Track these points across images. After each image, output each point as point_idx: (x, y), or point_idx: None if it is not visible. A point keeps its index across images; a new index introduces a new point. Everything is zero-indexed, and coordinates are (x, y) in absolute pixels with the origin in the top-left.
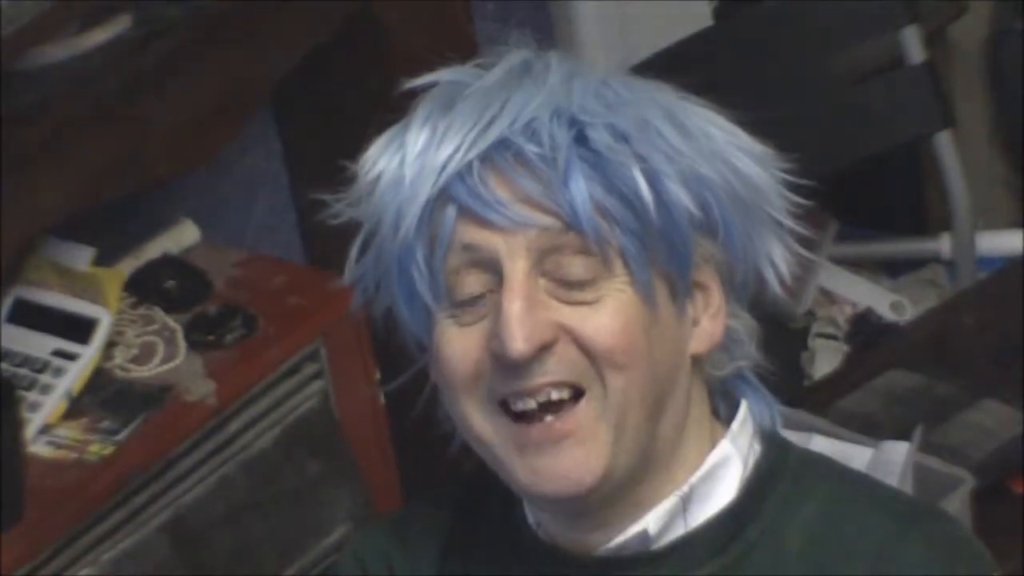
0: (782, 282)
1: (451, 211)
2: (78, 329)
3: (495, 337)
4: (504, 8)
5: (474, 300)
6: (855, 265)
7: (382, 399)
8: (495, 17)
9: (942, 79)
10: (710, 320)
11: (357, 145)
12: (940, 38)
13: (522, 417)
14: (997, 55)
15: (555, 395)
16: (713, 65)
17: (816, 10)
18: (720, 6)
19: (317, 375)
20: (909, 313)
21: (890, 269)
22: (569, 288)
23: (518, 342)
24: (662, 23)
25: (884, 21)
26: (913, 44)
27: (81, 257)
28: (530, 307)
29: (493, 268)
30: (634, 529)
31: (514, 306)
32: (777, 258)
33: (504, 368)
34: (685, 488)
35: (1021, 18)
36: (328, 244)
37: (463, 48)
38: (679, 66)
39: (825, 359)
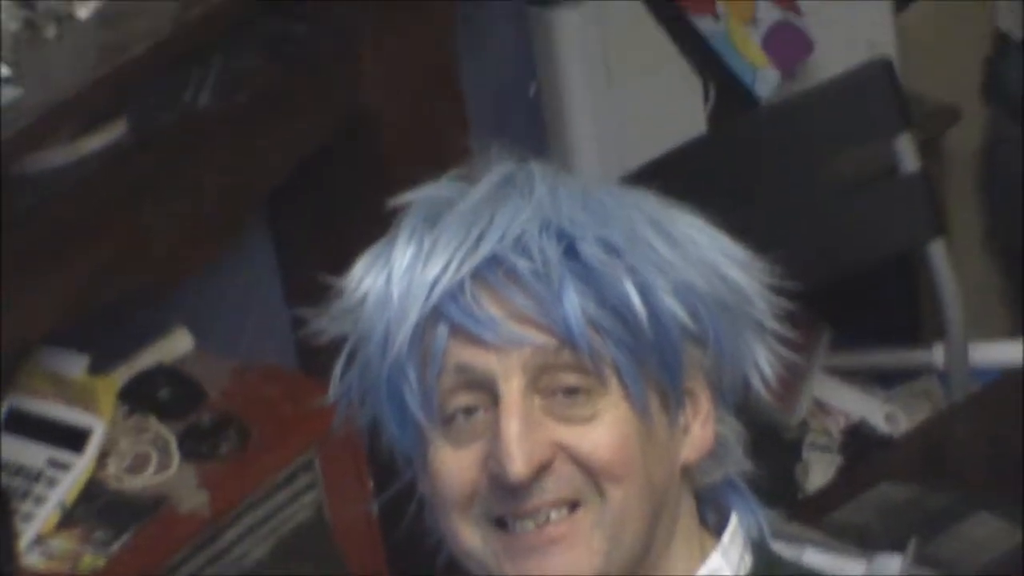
0: (772, 390)
1: (443, 330)
2: (72, 438)
3: (493, 459)
4: (499, 117)
5: (468, 415)
6: (849, 375)
7: (376, 510)
8: (490, 125)
9: (936, 187)
10: (700, 427)
11: (351, 255)
12: (934, 146)
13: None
14: (991, 163)
15: (554, 515)
16: (708, 172)
17: (810, 117)
18: (714, 113)
19: (311, 486)
20: (903, 425)
21: (884, 379)
22: (564, 405)
23: (518, 465)
24: (656, 130)
25: (878, 129)
26: (907, 152)
27: (75, 365)
28: (528, 428)
29: (487, 387)
30: None
31: (512, 428)
32: (763, 362)
33: (502, 489)
34: None
35: (1015, 127)
36: (322, 354)
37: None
38: (673, 173)
39: (819, 470)
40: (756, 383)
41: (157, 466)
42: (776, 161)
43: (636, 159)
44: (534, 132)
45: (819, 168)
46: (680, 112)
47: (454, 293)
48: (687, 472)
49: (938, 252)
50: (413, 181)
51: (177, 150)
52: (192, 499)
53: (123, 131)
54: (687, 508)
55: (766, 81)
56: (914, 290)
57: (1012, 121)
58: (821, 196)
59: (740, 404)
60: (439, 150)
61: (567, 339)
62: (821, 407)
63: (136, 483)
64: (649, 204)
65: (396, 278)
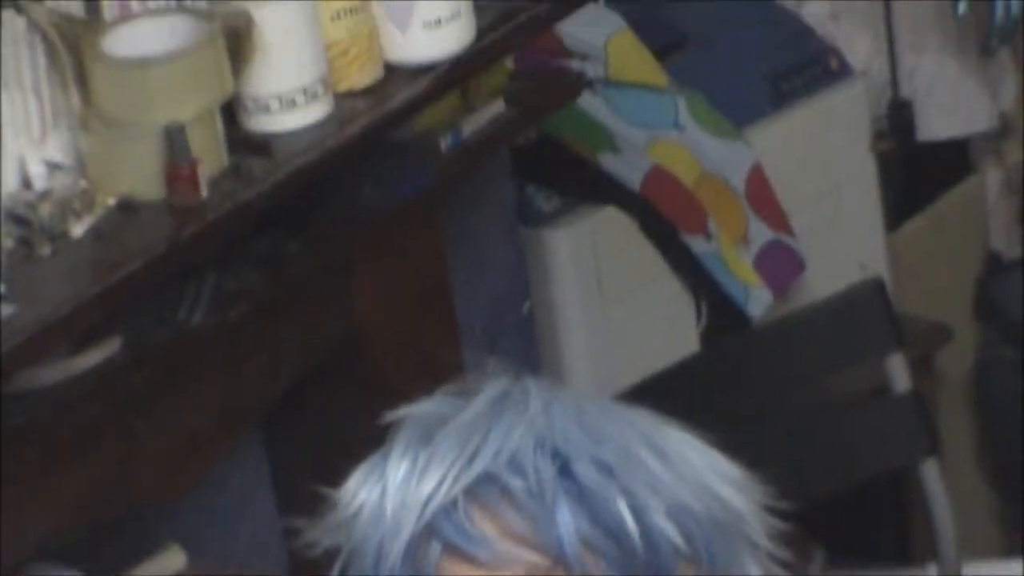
0: None
1: (436, 547)
2: None
3: None
4: (493, 334)
5: None
6: None
7: None
8: (482, 343)
9: (928, 407)
10: None
11: (344, 470)
12: (927, 365)
13: None
14: (984, 383)
15: None
16: (700, 391)
17: (803, 337)
18: (707, 332)
19: None
20: None
21: None
22: None
23: None
24: (649, 348)
25: (871, 348)
26: (899, 371)
27: None
28: None
29: None
30: None
31: None
32: None
33: None
34: None
35: (1007, 346)
36: (317, 569)
37: (450, 373)
38: (666, 392)
39: None
40: None
41: None
42: (768, 380)
43: (629, 377)
44: (527, 349)
45: (812, 387)
46: (673, 331)
47: (448, 510)
48: None
49: (931, 471)
50: (405, 397)
51: (171, 367)
52: None
53: (117, 348)
54: None
55: (758, 300)
56: (906, 508)
57: (1004, 341)
58: (814, 415)
59: None
60: (431, 367)
61: (560, 559)
62: None
63: None
64: (643, 421)
65: (390, 493)
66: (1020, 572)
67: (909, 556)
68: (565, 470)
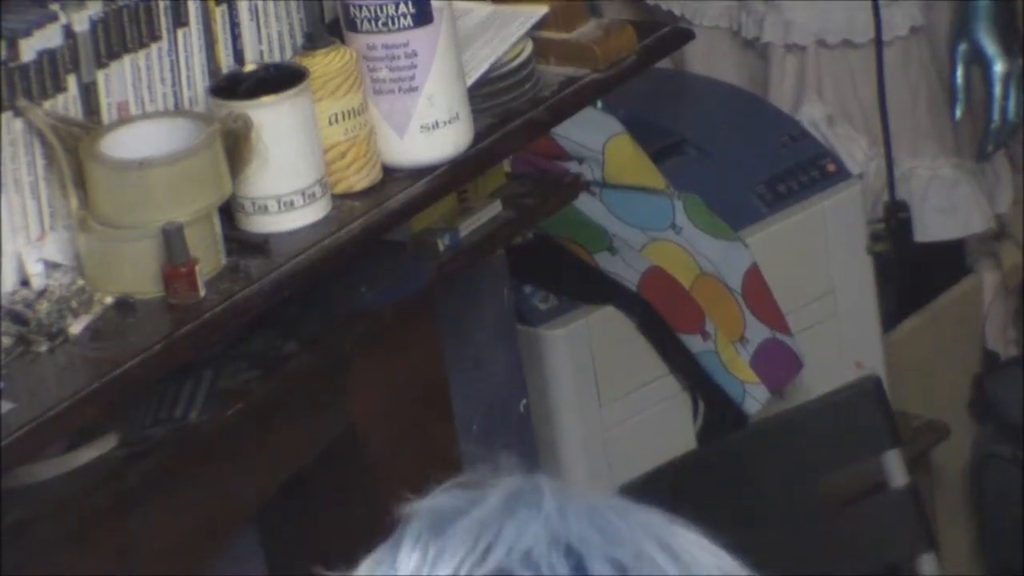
0: None
1: None
2: None
3: None
4: (489, 432)
5: None
6: None
7: None
8: (479, 439)
9: (925, 502)
10: None
11: (341, 563)
12: (923, 461)
13: None
14: (980, 480)
15: None
16: (697, 488)
17: (800, 434)
18: (704, 430)
19: None
20: None
21: None
22: None
23: None
24: (646, 447)
25: (868, 445)
26: (896, 467)
27: None
28: None
29: None
30: None
31: None
32: None
33: None
34: None
35: (1004, 444)
36: None
37: (448, 469)
38: (663, 489)
39: None
40: None
41: None
42: (766, 477)
43: (626, 475)
44: (525, 446)
45: (809, 484)
46: (670, 429)
47: None
48: None
49: (928, 566)
50: (402, 494)
51: (167, 463)
52: None
53: (113, 444)
54: None
55: (755, 398)
56: None
57: (1001, 439)
58: (812, 511)
59: None
60: (429, 463)
61: None
62: None
63: None
64: (655, 520)
65: None
66: None
67: None
68: (579, 569)
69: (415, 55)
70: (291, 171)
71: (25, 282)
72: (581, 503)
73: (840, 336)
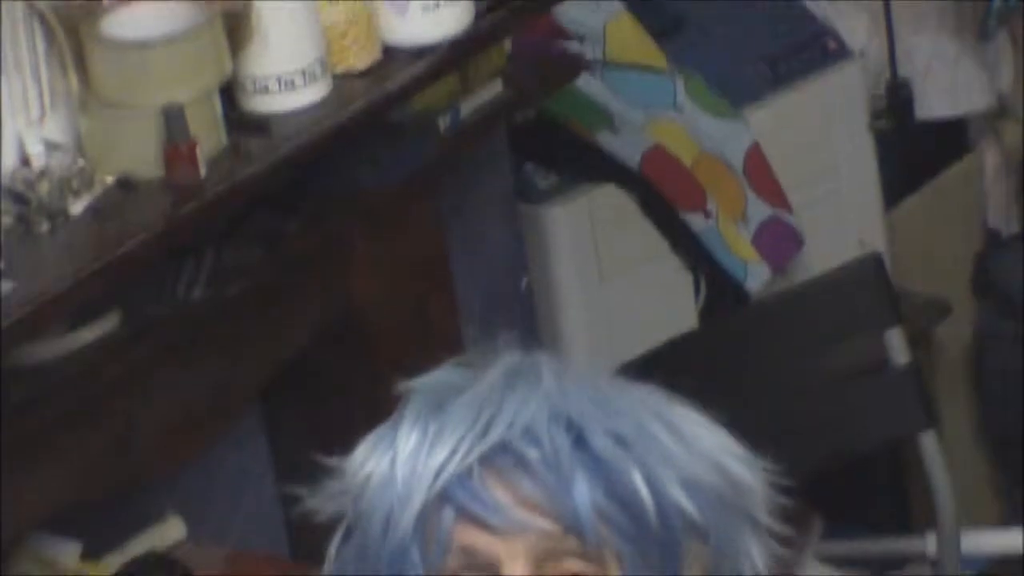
0: None
1: (448, 513)
2: None
3: None
4: (491, 310)
5: None
6: (840, 562)
7: None
8: (480, 318)
9: (926, 379)
10: None
11: (344, 445)
12: (924, 340)
13: None
14: (982, 357)
15: None
16: (698, 365)
17: (802, 312)
18: (706, 308)
19: None
20: None
21: (875, 567)
22: None
23: None
24: (647, 324)
25: (869, 323)
26: (897, 345)
27: (67, 552)
28: None
29: (491, 570)
30: None
31: None
32: (757, 559)
33: None
34: None
35: (1005, 321)
36: (315, 541)
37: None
38: (664, 367)
39: None
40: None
41: None
42: (767, 355)
43: (627, 353)
44: (526, 325)
45: (811, 361)
46: (671, 307)
47: (462, 477)
48: None
49: (929, 443)
50: (405, 372)
51: (170, 342)
52: None
53: (116, 323)
54: None
55: (757, 276)
56: (904, 478)
57: (1002, 316)
58: (812, 389)
59: None
60: (431, 341)
61: (575, 528)
62: None
63: None
64: (654, 397)
65: (401, 461)
66: (1018, 541)
67: (908, 526)
68: (580, 442)
69: None
70: (291, 50)
71: (26, 162)
72: (581, 379)
73: (841, 214)
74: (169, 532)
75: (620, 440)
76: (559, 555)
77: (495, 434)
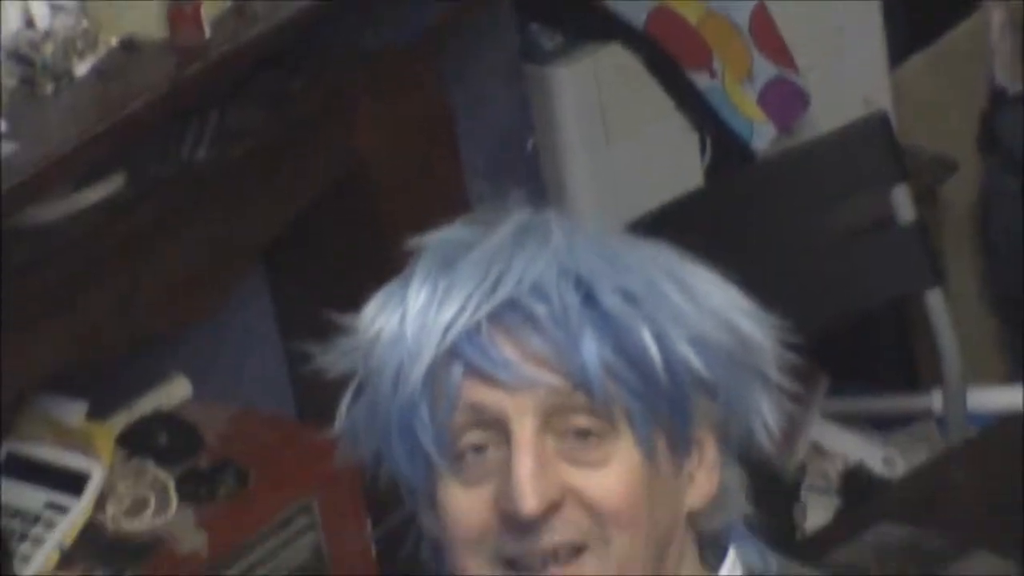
0: (772, 437)
1: (457, 369)
2: (70, 482)
3: (504, 496)
4: (496, 171)
5: (478, 453)
6: (847, 420)
7: (374, 552)
8: (486, 178)
9: (932, 237)
10: (705, 475)
11: (348, 303)
12: (931, 197)
13: (526, 570)
14: (987, 214)
15: (562, 554)
16: (704, 225)
17: (807, 170)
18: (711, 167)
19: (309, 528)
20: (900, 468)
21: (881, 424)
22: (575, 448)
23: (530, 501)
24: (653, 184)
25: (875, 180)
26: (903, 203)
27: (74, 411)
28: (540, 466)
29: (499, 426)
30: None
31: (525, 466)
32: (767, 414)
33: (512, 527)
34: None
35: (1010, 178)
36: (320, 400)
37: (454, 206)
38: (670, 226)
39: (817, 512)
40: (760, 434)
41: (155, 509)
42: (773, 213)
43: (633, 213)
44: (532, 186)
45: (816, 220)
46: (677, 166)
47: (471, 333)
48: (691, 518)
49: (935, 300)
50: (409, 232)
51: (174, 203)
52: (190, 541)
53: (120, 184)
54: (690, 554)
55: (762, 135)
56: (910, 336)
57: (1007, 173)
58: (818, 247)
59: (742, 451)
60: (435, 202)
61: (582, 383)
62: (819, 451)
63: (134, 525)
64: (664, 255)
65: (410, 318)
66: (1022, 398)
67: (914, 383)
68: (589, 298)
69: None
70: None
71: (30, 24)
72: (590, 237)
73: (847, 73)
74: (175, 392)
75: (629, 297)
76: (567, 411)
77: (504, 291)
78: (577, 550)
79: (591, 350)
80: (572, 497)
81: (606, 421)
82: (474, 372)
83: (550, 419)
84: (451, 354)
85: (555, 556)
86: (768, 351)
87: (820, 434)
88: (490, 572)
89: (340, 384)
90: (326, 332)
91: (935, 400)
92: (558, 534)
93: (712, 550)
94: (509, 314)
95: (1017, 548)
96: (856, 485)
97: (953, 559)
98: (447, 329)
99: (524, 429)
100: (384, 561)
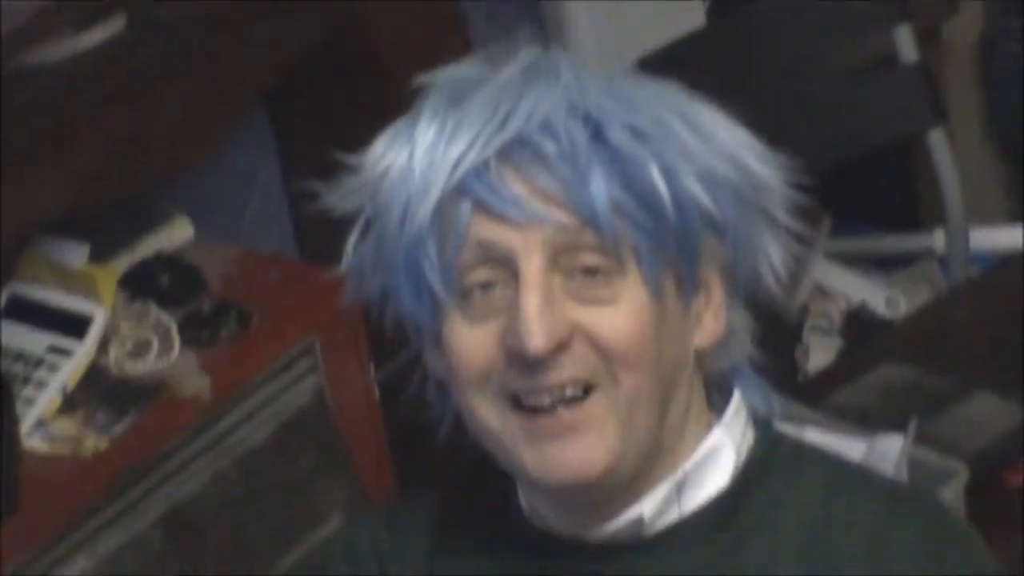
0: (777, 278)
1: (466, 206)
2: (73, 325)
3: (511, 333)
4: (498, 12)
5: (485, 290)
6: (849, 260)
7: (376, 393)
8: (488, 17)
9: (935, 77)
10: (712, 316)
11: (349, 145)
12: (933, 37)
13: (533, 410)
14: (989, 54)
15: (569, 391)
16: (705, 64)
17: (809, 9)
18: (712, 6)
19: (311, 370)
20: (903, 308)
21: (884, 264)
22: (582, 286)
23: (537, 339)
24: (654, 24)
25: (877, 20)
26: (906, 43)
27: (76, 254)
28: (547, 304)
29: (507, 264)
30: (629, 515)
31: (532, 303)
32: (774, 255)
33: (519, 365)
34: (679, 474)
35: (1012, 18)
36: (322, 241)
37: (456, 47)
38: (672, 66)
39: (819, 353)
40: (767, 275)
41: (158, 352)
42: (775, 52)
43: (635, 53)
44: (533, 26)
45: (818, 60)
46: (678, 6)
47: (479, 170)
48: (697, 359)
49: (938, 140)
50: (411, 74)
51: (176, 44)
52: (193, 384)
53: (121, 27)
54: (697, 394)
55: None
56: (913, 176)
57: (1009, 13)
58: (821, 86)
59: (748, 292)
60: (436, 45)
61: (590, 220)
62: (822, 291)
63: (137, 368)
64: (672, 94)
65: (419, 154)
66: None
67: (916, 223)
68: (598, 135)
69: None
70: None
71: None
72: (599, 75)
73: None
74: (177, 234)
75: (638, 134)
76: (575, 248)
77: (512, 127)
78: (585, 390)
79: (599, 186)
80: (580, 335)
81: (614, 259)
82: (482, 209)
83: (558, 257)
84: (459, 191)
85: (563, 395)
86: (775, 191)
87: (823, 275)
88: (494, 407)
89: (342, 226)
90: (328, 173)
91: (937, 240)
92: (566, 371)
93: (718, 392)
94: (518, 151)
95: (1018, 388)
96: (859, 326)
97: (956, 400)
98: (456, 165)
99: (532, 267)
100: (386, 406)
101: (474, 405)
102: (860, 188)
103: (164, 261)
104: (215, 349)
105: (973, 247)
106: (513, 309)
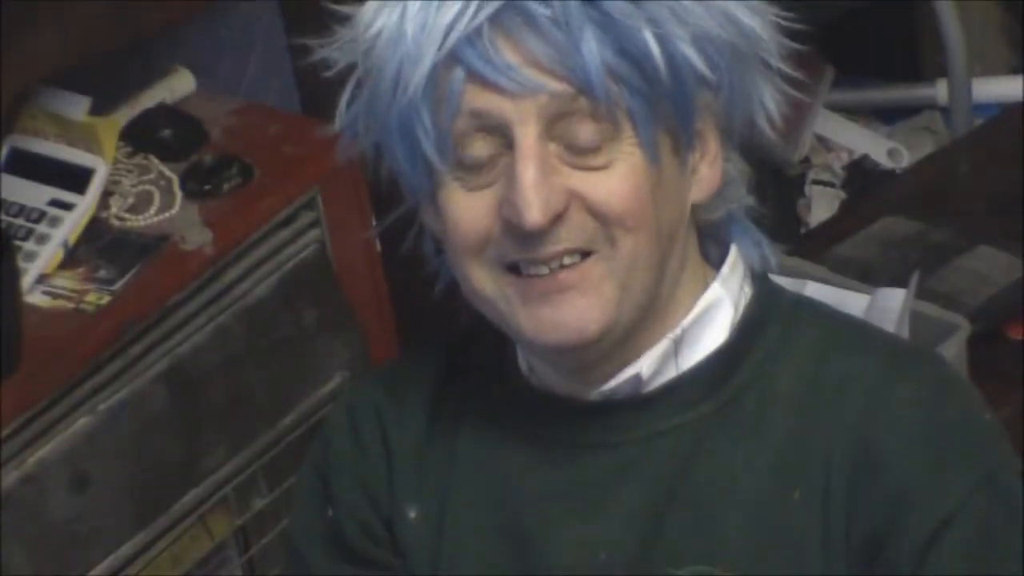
0: (775, 127)
1: (459, 74)
2: (74, 179)
3: (508, 205)
4: None
5: (481, 163)
6: (851, 112)
7: (378, 247)
8: None
9: None
10: (708, 167)
11: None
12: None
13: (530, 275)
14: None
15: (567, 260)
16: None
17: None
18: None
19: (314, 224)
20: (906, 160)
21: (886, 115)
22: (578, 153)
23: (534, 212)
24: None
25: None
26: None
27: (77, 106)
28: (543, 174)
29: (502, 133)
30: (627, 373)
31: (528, 174)
32: (769, 102)
33: (516, 236)
34: (677, 331)
35: None
36: (324, 93)
37: None
38: None
39: (821, 206)
40: (761, 122)
41: (160, 205)
42: None
43: None
44: None
45: None
46: None
47: (471, 38)
48: (693, 210)
49: None
50: None
51: None
52: (196, 237)
53: None
54: (691, 246)
55: None
56: (916, 27)
57: None
58: None
59: (744, 142)
60: None
61: (584, 87)
62: (824, 143)
63: (139, 222)
64: None
65: (410, 16)
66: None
67: (919, 74)
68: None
69: None
70: None
71: None
72: None
73: None
74: (178, 85)
75: None
76: (569, 116)
77: None
78: (584, 254)
79: (592, 51)
80: (577, 203)
81: (610, 126)
82: (476, 77)
83: (553, 125)
84: (452, 59)
85: (561, 263)
86: (768, 40)
87: (825, 127)
88: (492, 275)
89: (343, 81)
90: (330, 26)
91: (940, 91)
92: (563, 243)
93: (713, 243)
94: (510, 16)
95: (1019, 242)
96: (861, 178)
97: (957, 253)
98: (448, 31)
99: (527, 137)
100: (386, 257)
101: (470, 272)
102: (863, 40)
103: (166, 113)
104: (217, 202)
105: (975, 98)
106: (510, 179)
